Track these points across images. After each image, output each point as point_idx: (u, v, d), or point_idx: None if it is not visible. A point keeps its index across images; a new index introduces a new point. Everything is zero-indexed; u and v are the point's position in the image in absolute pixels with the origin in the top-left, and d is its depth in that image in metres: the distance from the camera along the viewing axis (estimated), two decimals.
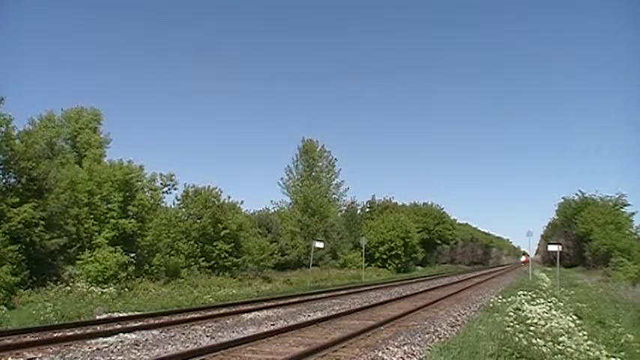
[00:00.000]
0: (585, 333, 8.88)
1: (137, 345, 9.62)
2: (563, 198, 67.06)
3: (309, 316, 14.53)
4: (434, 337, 11.04)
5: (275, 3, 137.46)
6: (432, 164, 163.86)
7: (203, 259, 25.98)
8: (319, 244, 29.81)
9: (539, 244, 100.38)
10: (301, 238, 38.56)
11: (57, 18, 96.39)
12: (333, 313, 14.93)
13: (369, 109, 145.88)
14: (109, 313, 13.87)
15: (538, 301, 12.70)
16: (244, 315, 14.49)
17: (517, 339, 8.07)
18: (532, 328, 8.77)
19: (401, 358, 8.79)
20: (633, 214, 54.95)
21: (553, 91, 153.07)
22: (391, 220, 49.96)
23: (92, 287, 16.86)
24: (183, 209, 27.78)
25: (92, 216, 20.85)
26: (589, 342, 7.94)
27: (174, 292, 18.64)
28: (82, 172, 22.33)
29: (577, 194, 61.90)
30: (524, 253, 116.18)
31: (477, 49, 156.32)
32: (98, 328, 11.47)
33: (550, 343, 7.73)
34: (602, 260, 46.25)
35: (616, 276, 32.61)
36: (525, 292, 14.64)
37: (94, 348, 9.25)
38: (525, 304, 12.00)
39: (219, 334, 11.19)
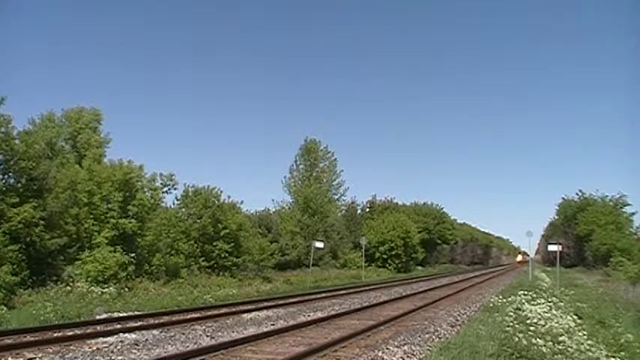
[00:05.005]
0: (585, 333, 8.87)
1: (137, 345, 9.61)
2: (563, 198, 67.09)
3: (309, 316, 14.53)
4: (434, 337, 11.04)
5: (275, 3, 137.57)
6: (432, 164, 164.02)
7: (203, 259, 25.99)
8: (319, 244, 29.79)
9: (539, 244, 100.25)
10: (301, 238, 38.54)
11: (57, 18, 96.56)
12: (333, 313, 14.93)
13: (370, 110, 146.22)
14: (109, 313, 13.87)
15: (538, 301, 12.69)
16: (244, 315, 14.49)
17: (517, 339, 8.05)
18: (532, 328, 8.76)
19: (401, 358, 8.79)
20: (634, 214, 55.10)
21: (553, 91, 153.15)
22: (391, 220, 49.93)
23: (92, 287, 16.87)
24: (183, 209, 27.80)
25: (92, 216, 20.86)
26: (589, 342, 7.93)
27: (174, 292, 18.65)
28: (82, 172, 22.33)
29: (577, 194, 61.99)
30: (521, 252, 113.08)
31: (477, 49, 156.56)
32: (98, 328, 11.46)
33: (550, 343, 7.71)
34: (602, 260, 46.30)
35: (616, 276, 32.62)
36: (525, 292, 14.62)
37: (94, 348, 9.25)
38: (525, 304, 11.99)
39: (219, 334, 11.19)
